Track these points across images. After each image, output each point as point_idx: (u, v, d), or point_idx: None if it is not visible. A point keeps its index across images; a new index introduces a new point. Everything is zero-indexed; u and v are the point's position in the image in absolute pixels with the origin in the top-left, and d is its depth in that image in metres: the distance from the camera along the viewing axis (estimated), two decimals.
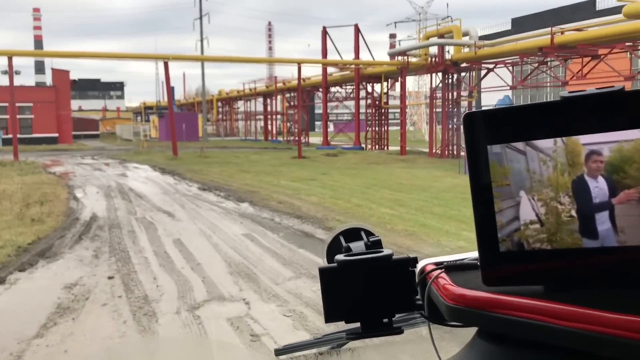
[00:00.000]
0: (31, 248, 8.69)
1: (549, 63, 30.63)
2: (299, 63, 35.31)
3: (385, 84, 40.14)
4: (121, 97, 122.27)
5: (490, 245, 0.70)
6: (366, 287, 0.85)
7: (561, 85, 30.73)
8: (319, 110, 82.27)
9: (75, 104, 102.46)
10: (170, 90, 33.18)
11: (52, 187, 17.18)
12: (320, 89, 46.20)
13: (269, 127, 61.13)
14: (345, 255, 0.87)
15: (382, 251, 0.88)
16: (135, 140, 56.95)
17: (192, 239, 9.48)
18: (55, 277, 7.13)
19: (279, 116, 61.86)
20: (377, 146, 41.30)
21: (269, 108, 60.82)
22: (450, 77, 35.02)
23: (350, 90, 44.65)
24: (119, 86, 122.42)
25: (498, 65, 32.37)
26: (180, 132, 53.84)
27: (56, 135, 59.02)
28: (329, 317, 0.86)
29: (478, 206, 0.70)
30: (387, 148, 40.86)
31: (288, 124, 58.63)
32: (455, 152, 34.13)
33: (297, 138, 39.47)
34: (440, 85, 35.15)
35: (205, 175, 21.58)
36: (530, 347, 0.67)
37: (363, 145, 41.76)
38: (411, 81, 61.83)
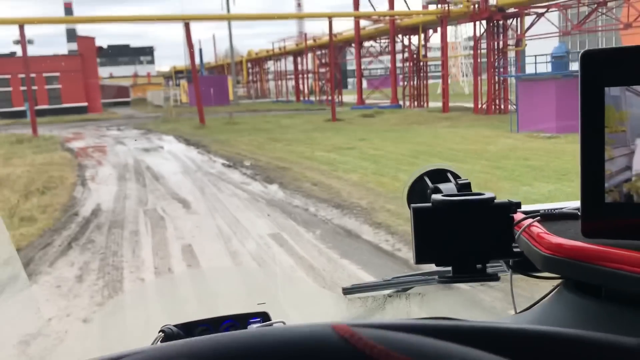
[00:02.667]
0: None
1: (608, 4, 27.40)
2: (330, 17, 32.69)
3: (422, 35, 37.22)
4: (151, 62, 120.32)
5: (596, 195, 0.66)
6: (462, 230, 0.80)
7: (623, 28, 27.51)
8: (350, 67, 79.26)
9: (106, 71, 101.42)
10: (193, 53, 31.14)
11: (62, 168, 15.48)
12: (353, 44, 43.47)
13: (301, 86, 58.68)
14: (442, 195, 0.83)
15: (483, 194, 0.82)
16: (166, 106, 55.30)
17: (206, 245, 7.54)
18: (13, 323, 5.26)
19: (310, 75, 59.33)
20: (415, 103, 38.66)
21: (299, 67, 58.26)
22: (495, 24, 31.97)
23: (385, 44, 41.79)
24: (148, 51, 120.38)
25: (550, 9, 29.23)
26: (209, 96, 51.90)
27: (85, 104, 57.64)
28: (420, 259, 0.83)
29: (586, 152, 0.65)
30: (427, 105, 38.19)
31: (320, 83, 56.12)
32: (502, 108, 31.39)
33: (329, 98, 37.14)
34: (485, 34, 32.19)
35: (232, 146, 19.63)
36: (622, 301, 0.65)
37: (401, 103, 39.15)
38: (447, 32, 58.36)
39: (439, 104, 34.87)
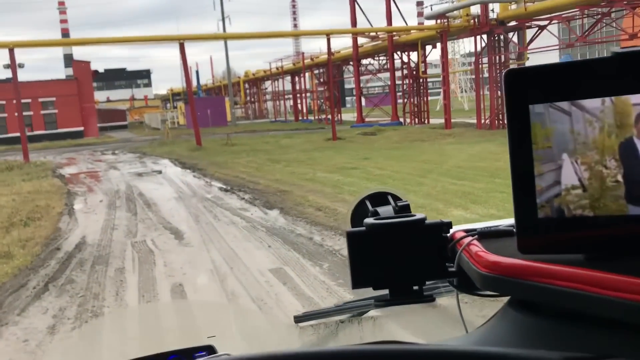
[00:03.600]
0: None
1: (612, 14, 26.78)
2: (328, 34, 32.07)
3: (422, 51, 36.59)
4: (148, 85, 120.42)
5: (528, 211, 0.67)
6: (396, 252, 0.81)
7: (628, 38, 26.91)
8: (348, 85, 78.70)
9: (103, 94, 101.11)
10: (188, 74, 30.41)
11: (49, 197, 14.62)
12: (351, 62, 42.86)
13: (299, 106, 58.06)
14: (374, 219, 0.83)
15: (414, 215, 0.84)
16: (163, 128, 54.60)
17: (200, 285, 6.66)
18: None
19: (308, 94, 58.74)
20: (416, 120, 37.94)
21: (297, 86, 57.69)
22: (496, 38, 31.36)
23: (384, 61, 41.19)
24: (145, 74, 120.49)
25: (553, 21, 28.62)
26: (206, 117, 51.24)
27: (81, 129, 56.88)
28: (356, 284, 0.83)
29: (516, 170, 0.67)
30: (428, 121, 37.48)
31: (319, 102, 55.48)
32: (505, 122, 30.66)
33: (329, 116, 36.37)
34: (486, 48, 31.55)
35: (229, 168, 18.81)
36: (564, 318, 0.66)
37: (401, 120, 38.44)
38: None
39: (440, 121, 34.17)
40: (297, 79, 56.93)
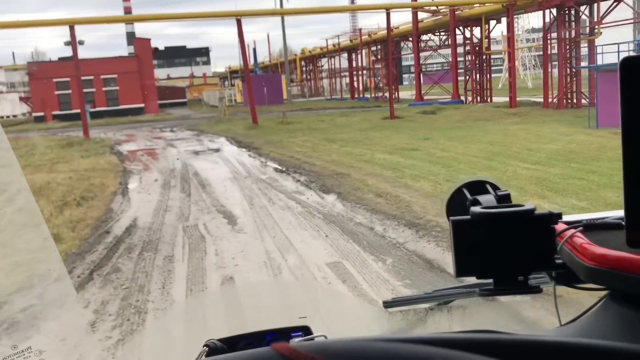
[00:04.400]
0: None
1: None
2: (387, 9, 30.93)
3: (486, 26, 34.92)
4: (207, 62, 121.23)
5: None
6: (503, 242, 0.79)
7: None
8: (405, 63, 76.82)
9: (163, 72, 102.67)
10: (245, 50, 29.98)
11: (105, 175, 14.49)
12: (409, 38, 41.51)
13: (355, 83, 57.01)
14: (481, 208, 0.82)
15: (523, 205, 0.81)
16: (220, 106, 54.80)
17: (252, 280, 6.12)
18: None
19: (365, 71, 57.59)
20: (478, 98, 36.41)
21: (353, 63, 56.60)
22: (567, 12, 29.48)
23: (445, 37, 39.66)
24: (204, 52, 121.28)
25: None
26: (263, 95, 50.97)
27: (142, 105, 57.61)
28: (460, 272, 0.81)
29: (629, 159, 0.63)
30: (491, 100, 35.91)
31: (375, 80, 54.33)
32: (574, 102, 28.92)
33: (386, 94, 35.42)
34: (555, 23, 29.72)
35: (284, 148, 18.29)
36: None
37: (462, 98, 36.99)
38: (504, 24, 55.20)
39: (503, 99, 32.67)
40: (353, 56, 55.86)
